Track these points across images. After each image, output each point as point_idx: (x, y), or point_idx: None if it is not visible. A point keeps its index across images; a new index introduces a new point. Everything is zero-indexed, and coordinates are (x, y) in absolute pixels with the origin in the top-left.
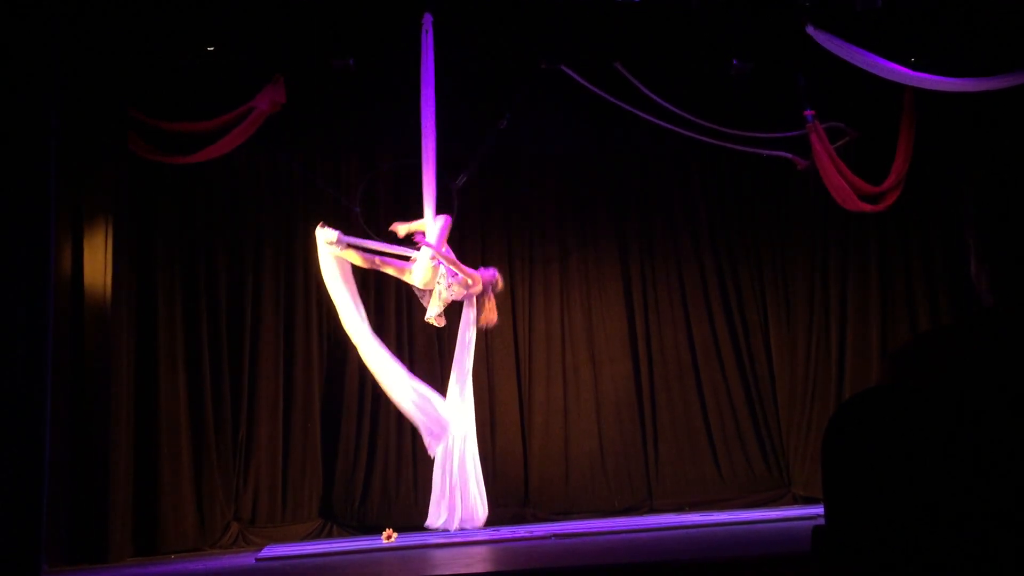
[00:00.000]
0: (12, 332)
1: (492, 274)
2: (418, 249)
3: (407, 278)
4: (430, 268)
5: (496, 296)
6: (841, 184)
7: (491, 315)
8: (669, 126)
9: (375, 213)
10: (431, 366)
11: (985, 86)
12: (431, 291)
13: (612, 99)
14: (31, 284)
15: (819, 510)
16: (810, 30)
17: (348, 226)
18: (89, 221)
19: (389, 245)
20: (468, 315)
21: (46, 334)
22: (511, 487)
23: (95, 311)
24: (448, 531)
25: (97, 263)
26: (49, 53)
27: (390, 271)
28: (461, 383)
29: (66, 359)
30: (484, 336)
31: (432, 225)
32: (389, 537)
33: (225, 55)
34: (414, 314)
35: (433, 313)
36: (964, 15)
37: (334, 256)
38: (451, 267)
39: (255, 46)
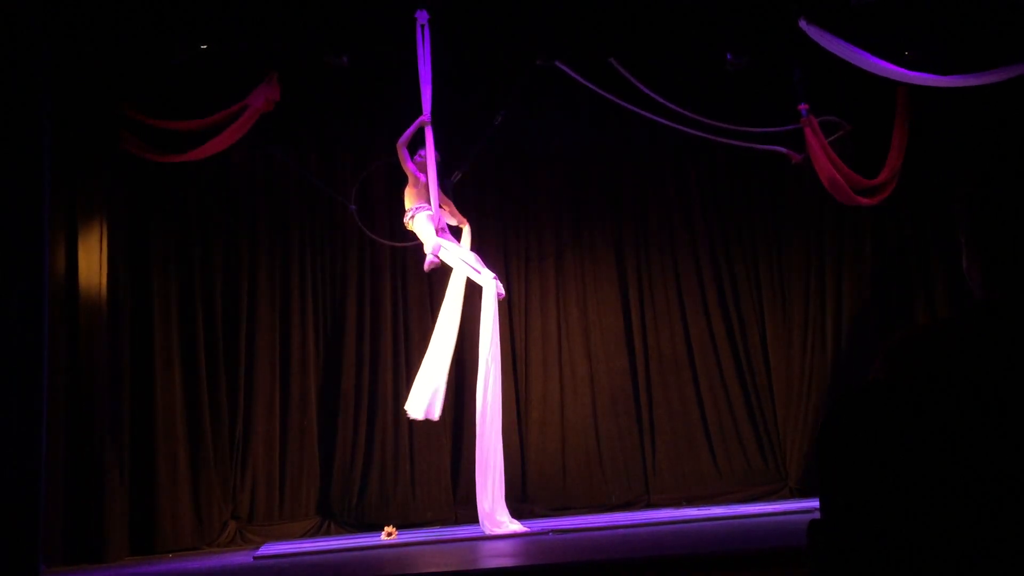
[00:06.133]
0: (7, 332)
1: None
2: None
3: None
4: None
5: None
6: (836, 178)
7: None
8: (664, 121)
9: (370, 211)
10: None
11: (976, 81)
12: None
13: (607, 95)
14: (26, 284)
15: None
16: (803, 24)
17: (345, 223)
18: (83, 220)
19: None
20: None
21: (42, 333)
22: (508, 483)
23: (90, 310)
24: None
25: (92, 262)
26: (42, 52)
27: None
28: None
29: (62, 358)
30: None
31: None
32: (390, 535)
33: (219, 52)
34: (410, 313)
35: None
36: (957, 9)
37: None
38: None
39: (249, 43)
